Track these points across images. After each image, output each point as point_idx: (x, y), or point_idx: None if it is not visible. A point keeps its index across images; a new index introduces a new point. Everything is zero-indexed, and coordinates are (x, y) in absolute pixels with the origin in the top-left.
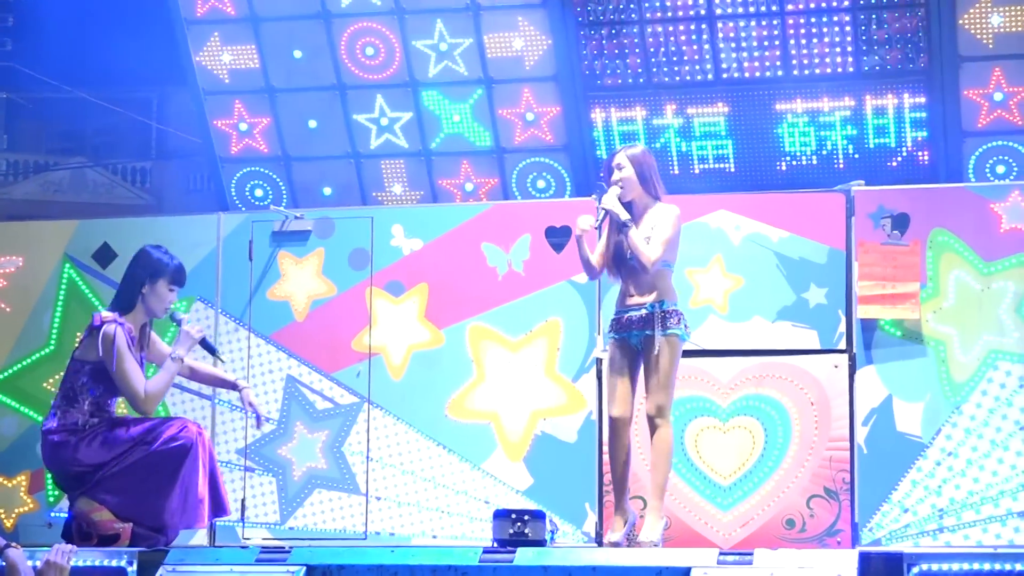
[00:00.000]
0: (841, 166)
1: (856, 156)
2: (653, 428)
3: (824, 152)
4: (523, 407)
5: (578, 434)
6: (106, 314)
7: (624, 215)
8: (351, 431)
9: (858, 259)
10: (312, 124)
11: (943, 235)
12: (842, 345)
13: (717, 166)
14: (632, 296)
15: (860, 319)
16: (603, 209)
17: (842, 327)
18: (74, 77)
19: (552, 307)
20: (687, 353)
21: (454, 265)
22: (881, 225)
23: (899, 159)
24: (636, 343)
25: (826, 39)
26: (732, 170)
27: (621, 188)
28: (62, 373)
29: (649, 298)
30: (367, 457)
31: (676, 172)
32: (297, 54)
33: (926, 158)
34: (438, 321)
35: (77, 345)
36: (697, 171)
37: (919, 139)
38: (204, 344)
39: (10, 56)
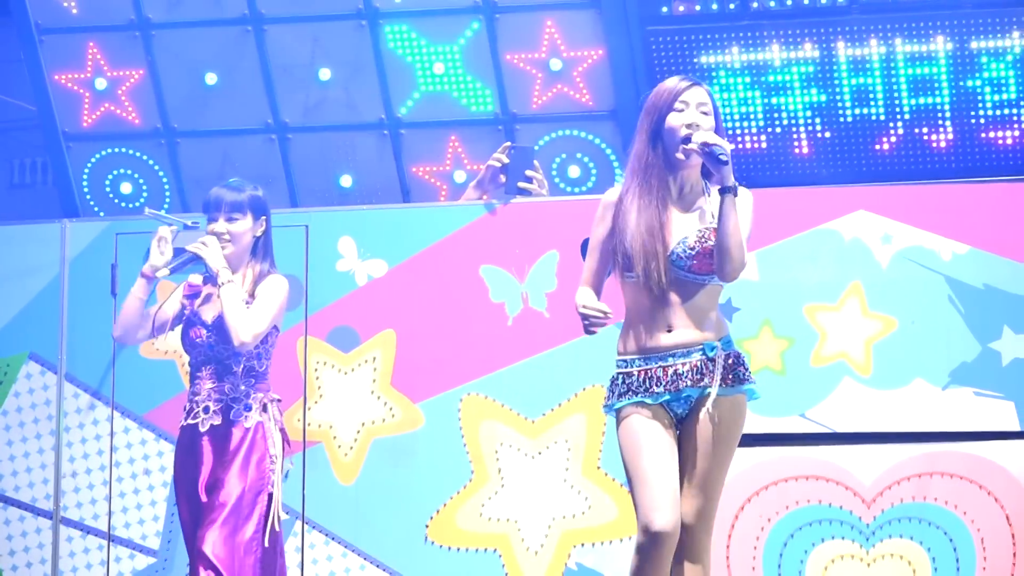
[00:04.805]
0: None
1: None
2: (690, 548)
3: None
4: (548, 525)
5: None
6: None
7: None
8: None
9: None
10: (211, 79)
11: None
12: None
13: (856, 140)
14: (674, 328)
15: None
16: (716, 147)
17: None
18: None
19: (593, 367)
20: (806, 439)
21: (437, 301)
22: None
23: None
24: (682, 410)
25: None
26: (884, 148)
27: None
28: None
29: (706, 333)
30: None
31: (803, 150)
32: None
33: None
34: (412, 391)
35: None
36: (825, 147)
37: None
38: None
39: None
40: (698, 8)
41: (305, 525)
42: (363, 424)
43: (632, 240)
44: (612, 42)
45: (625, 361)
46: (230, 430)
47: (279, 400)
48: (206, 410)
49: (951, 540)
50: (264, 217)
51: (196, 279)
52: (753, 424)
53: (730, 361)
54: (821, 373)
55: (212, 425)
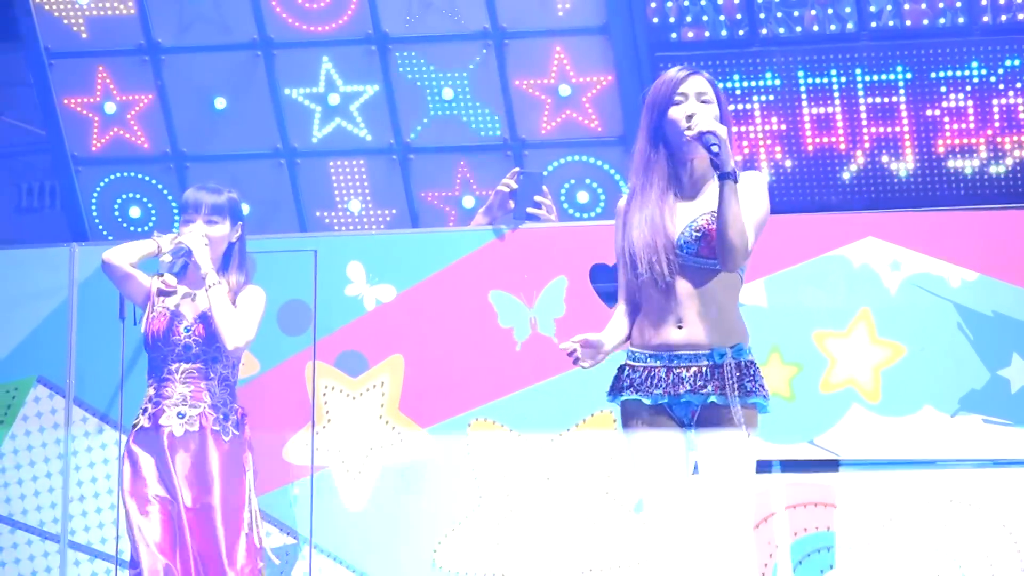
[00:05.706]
0: None
1: None
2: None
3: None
4: (564, 555)
5: None
6: None
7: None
8: None
9: None
10: (220, 103)
11: None
12: None
13: (864, 168)
14: (684, 323)
15: None
16: (708, 135)
17: None
18: None
19: (602, 393)
20: (815, 465)
21: (446, 326)
22: None
23: None
24: (685, 416)
25: None
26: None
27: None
28: None
29: (717, 333)
30: None
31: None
32: None
33: None
34: (420, 416)
35: None
36: (832, 174)
37: None
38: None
39: None
40: (707, 35)
41: (313, 550)
42: (371, 449)
43: (635, 237)
44: (621, 68)
45: (634, 354)
46: (207, 440)
47: (246, 414)
48: (180, 415)
49: (960, 567)
50: (240, 223)
51: (171, 280)
52: (761, 451)
53: (740, 371)
54: (830, 400)
55: (187, 431)
